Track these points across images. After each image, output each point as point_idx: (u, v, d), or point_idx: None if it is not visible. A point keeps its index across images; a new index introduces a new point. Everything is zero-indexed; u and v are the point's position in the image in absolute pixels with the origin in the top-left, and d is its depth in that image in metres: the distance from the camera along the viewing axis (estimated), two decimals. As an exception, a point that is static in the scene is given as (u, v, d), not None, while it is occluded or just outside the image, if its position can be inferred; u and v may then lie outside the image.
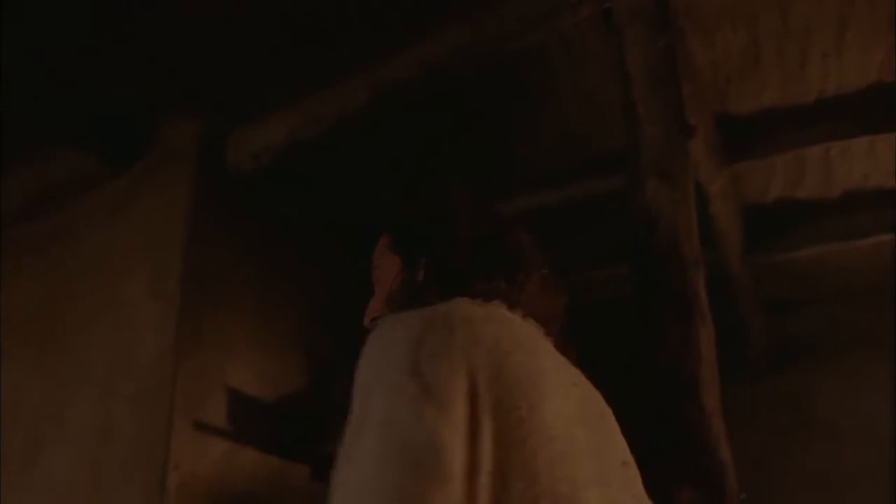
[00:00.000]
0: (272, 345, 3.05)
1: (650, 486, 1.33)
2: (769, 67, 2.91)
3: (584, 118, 3.08)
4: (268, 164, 2.96)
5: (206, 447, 2.74)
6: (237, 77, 2.85)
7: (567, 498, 1.13)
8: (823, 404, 4.35)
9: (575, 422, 1.22)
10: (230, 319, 2.92)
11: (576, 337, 1.36)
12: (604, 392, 1.36)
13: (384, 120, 2.89)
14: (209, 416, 2.76)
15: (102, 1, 2.50)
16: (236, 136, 3.06)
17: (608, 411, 1.33)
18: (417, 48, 2.65)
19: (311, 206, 3.33)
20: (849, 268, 4.02)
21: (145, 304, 2.84)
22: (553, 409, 1.18)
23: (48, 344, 3.18)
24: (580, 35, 2.68)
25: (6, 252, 3.55)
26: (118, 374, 2.81)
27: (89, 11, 2.54)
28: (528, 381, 1.18)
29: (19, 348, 3.31)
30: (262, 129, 2.99)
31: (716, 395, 1.94)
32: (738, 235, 3.66)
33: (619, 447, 1.32)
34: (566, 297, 1.42)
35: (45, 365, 3.16)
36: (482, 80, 2.88)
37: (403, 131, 3.07)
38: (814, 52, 2.84)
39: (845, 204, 3.65)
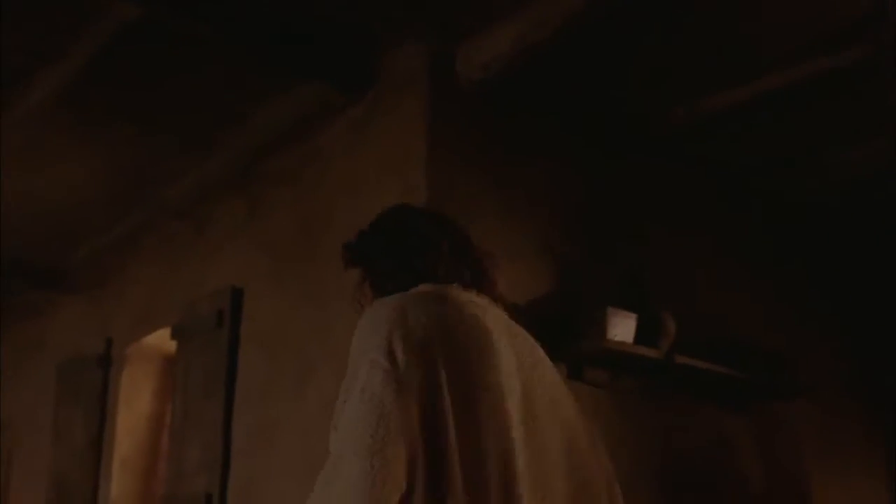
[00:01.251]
0: (520, 250, 3.18)
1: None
2: None
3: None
4: (498, 73, 3.06)
5: (467, 351, 2.92)
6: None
7: (499, 435, 1.65)
8: None
9: (511, 373, 1.73)
10: (478, 228, 3.03)
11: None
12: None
13: (610, 16, 2.91)
14: (468, 321, 2.94)
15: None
16: (463, 49, 3.17)
17: (542, 357, 1.88)
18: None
19: (547, 110, 3.40)
20: None
21: (398, 219, 3.03)
22: (492, 364, 1.70)
23: (309, 266, 3.47)
24: None
25: (260, 184, 3.87)
26: (379, 288, 3.03)
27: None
28: (472, 343, 1.70)
29: (281, 275, 3.63)
30: (488, 39, 3.08)
31: None
32: None
33: (549, 386, 1.84)
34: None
35: (309, 288, 3.45)
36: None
37: (629, 25, 3.07)
38: None
39: None
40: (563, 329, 3.18)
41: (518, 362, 1.76)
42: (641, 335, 3.25)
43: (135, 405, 4.75)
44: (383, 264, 1.99)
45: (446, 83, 3.13)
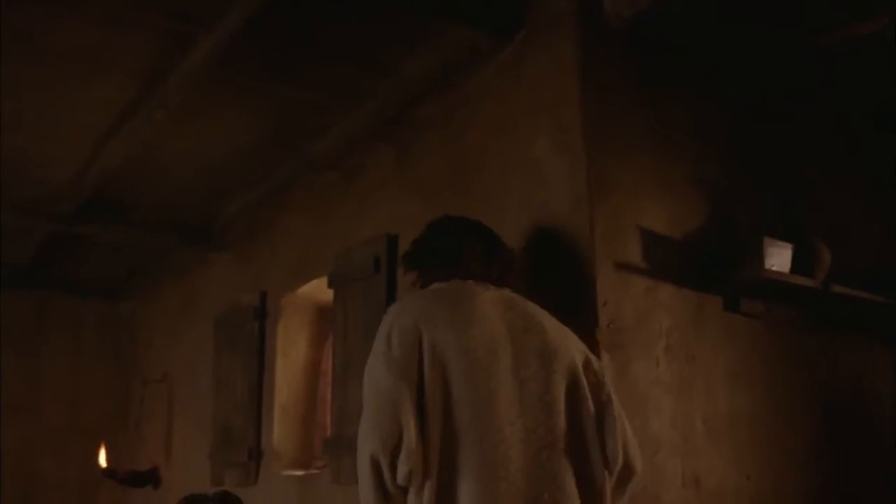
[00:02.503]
0: (675, 184, 3.28)
1: None
2: None
3: None
4: (647, 7, 3.14)
5: (628, 285, 3.06)
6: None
7: (476, 386, 2.42)
8: None
9: (499, 339, 2.49)
10: (633, 164, 3.19)
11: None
12: None
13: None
14: (627, 255, 3.08)
15: None
16: (611, -14, 3.26)
17: (536, 324, 2.58)
18: None
19: (694, 45, 3.47)
20: None
21: (552, 159, 3.17)
22: (475, 335, 2.46)
23: (461, 208, 3.63)
24: None
25: (408, 132, 4.05)
26: (537, 225, 3.19)
27: None
28: (457, 323, 2.48)
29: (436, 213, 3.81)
30: (635, -25, 3.18)
31: None
32: None
33: (541, 339, 2.54)
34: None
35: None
36: None
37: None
38: None
39: None
40: (718, 261, 3.28)
41: (508, 330, 2.52)
42: (796, 265, 3.33)
43: (291, 354, 5.03)
44: (429, 265, 2.79)
45: (595, 21, 3.23)
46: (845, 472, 3.50)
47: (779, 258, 3.27)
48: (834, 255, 3.43)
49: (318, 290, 4.70)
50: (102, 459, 6.13)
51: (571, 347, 2.58)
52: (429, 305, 2.54)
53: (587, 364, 2.58)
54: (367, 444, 2.39)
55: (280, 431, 4.90)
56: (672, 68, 3.42)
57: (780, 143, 3.67)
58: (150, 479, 6.29)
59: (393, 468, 2.35)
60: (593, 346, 2.89)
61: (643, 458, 2.68)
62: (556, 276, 3.10)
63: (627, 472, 2.54)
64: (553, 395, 2.47)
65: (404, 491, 2.37)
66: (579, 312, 2.97)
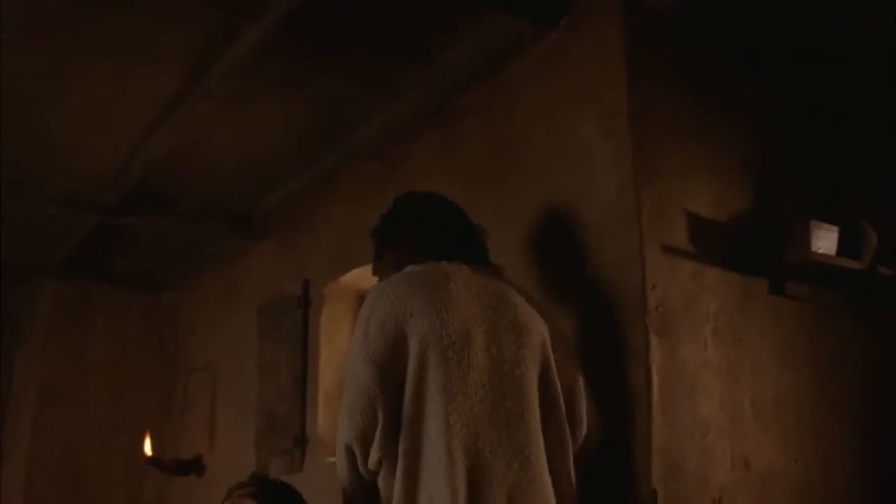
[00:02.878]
0: (720, 167, 3.31)
1: None
2: None
3: None
4: (691, -7, 3.19)
5: (675, 269, 3.10)
6: None
7: (456, 380, 2.47)
8: None
9: (473, 317, 2.57)
10: (680, 148, 3.23)
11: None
12: None
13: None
14: (674, 239, 3.12)
15: None
16: (652, -29, 3.30)
17: (507, 300, 2.67)
18: None
19: (738, 28, 3.50)
20: None
21: (598, 144, 3.22)
22: (450, 318, 2.51)
23: (504, 192, 3.69)
24: None
25: (451, 119, 4.11)
26: (583, 210, 3.24)
27: None
28: (432, 309, 2.52)
29: (477, 203, 3.86)
30: (676, -42, 3.22)
31: None
32: None
33: (512, 316, 2.64)
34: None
35: (504, 212, 3.66)
36: None
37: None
38: None
39: None
40: (764, 244, 3.32)
41: (481, 308, 2.60)
42: (842, 248, 3.35)
43: (335, 342, 5.10)
44: (402, 246, 2.84)
45: (638, 7, 3.27)
46: (891, 456, 3.52)
47: (825, 240, 3.29)
48: (880, 237, 3.45)
49: (362, 278, 4.76)
50: (148, 448, 6.23)
51: (539, 325, 2.70)
52: (404, 293, 2.57)
53: (551, 341, 2.72)
54: (343, 433, 2.59)
55: (325, 419, 4.97)
56: (715, 52, 3.45)
57: (825, 125, 3.69)
58: (195, 467, 6.39)
59: (366, 455, 2.54)
60: (641, 329, 2.94)
61: (693, 440, 2.74)
62: (603, 259, 3.14)
63: (589, 438, 2.79)
64: (523, 369, 2.59)
65: (376, 473, 2.57)
66: (627, 296, 3.02)
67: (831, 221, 3.33)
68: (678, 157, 3.22)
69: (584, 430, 2.75)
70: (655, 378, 2.93)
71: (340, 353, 5.08)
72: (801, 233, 3.26)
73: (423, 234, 2.83)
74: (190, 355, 6.90)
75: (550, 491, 2.54)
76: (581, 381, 2.76)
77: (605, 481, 2.95)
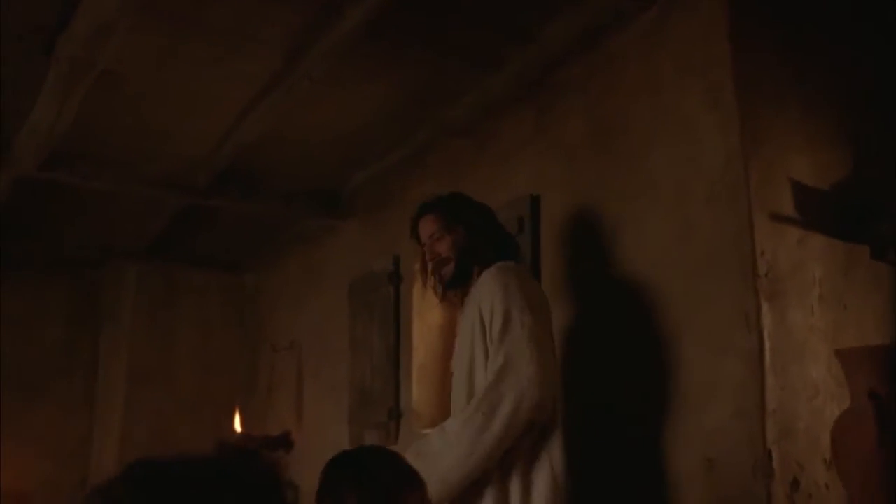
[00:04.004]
0: (822, 137, 3.43)
1: None
2: None
3: None
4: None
5: (782, 236, 3.24)
6: None
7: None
8: None
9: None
10: (782, 118, 3.36)
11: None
12: None
13: None
14: (781, 206, 3.25)
15: None
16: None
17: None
18: None
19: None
20: None
21: (704, 115, 3.36)
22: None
23: (605, 168, 3.84)
24: None
25: (547, 95, 4.26)
26: (689, 180, 3.39)
27: None
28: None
29: (575, 180, 4.02)
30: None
31: None
32: None
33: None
34: None
35: (605, 190, 3.82)
36: None
37: None
38: None
39: None
40: (865, 211, 3.44)
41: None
42: (942, 214, 3.46)
43: (426, 316, 5.27)
44: (482, 237, 3.52)
45: (742, -21, 3.40)
46: None
47: (925, 206, 3.41)
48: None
49: (451, 253, 4.92)
50: (237, 424, 6.46)
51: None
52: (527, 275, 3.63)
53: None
54: (537, 390, 3.03)
55: (419, 391, 5.15)
56: (815, 25, 3.56)
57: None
58: (283, 443, 6.60)
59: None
60: (752, 295, 3.09)
61: (803, 402, 2.89)
62: (713, 227, 3.29)
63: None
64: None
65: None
66: (736, 263, 3.17)
67: (931, 188, 3.44)
68: (782, 127, 3.35)
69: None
70: (767, 343, 3.08)
71: (433, 326, 5.25)
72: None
73: (502, 235, 3.61)
74: (273, 334, 7.14)
75: None
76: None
77: (723, 443, 3.12)
